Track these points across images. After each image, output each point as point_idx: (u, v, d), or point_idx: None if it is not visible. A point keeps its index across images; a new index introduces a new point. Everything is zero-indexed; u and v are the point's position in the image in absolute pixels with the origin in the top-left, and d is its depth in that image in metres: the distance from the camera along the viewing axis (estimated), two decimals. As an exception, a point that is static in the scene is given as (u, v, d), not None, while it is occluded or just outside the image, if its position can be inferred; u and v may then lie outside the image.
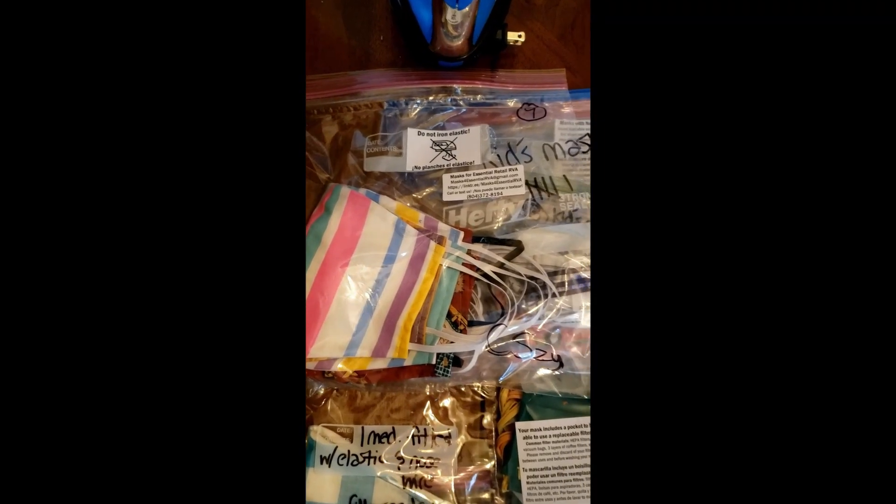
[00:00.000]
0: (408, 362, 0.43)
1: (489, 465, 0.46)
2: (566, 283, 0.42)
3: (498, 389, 0.46)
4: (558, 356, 0.42)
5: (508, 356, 0.42)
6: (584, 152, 0.48)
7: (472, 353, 0.42)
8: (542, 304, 0.42)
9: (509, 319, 0.42)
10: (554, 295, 0.42)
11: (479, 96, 0.51)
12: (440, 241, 0.45)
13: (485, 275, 0.44)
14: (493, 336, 0.41)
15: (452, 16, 0.42)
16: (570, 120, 0.49)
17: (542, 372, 0.43)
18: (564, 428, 0.44)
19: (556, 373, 0.42)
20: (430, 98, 0.51)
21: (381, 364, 0.44)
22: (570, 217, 0.45)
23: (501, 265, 0.44)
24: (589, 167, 0.49)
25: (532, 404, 0.46)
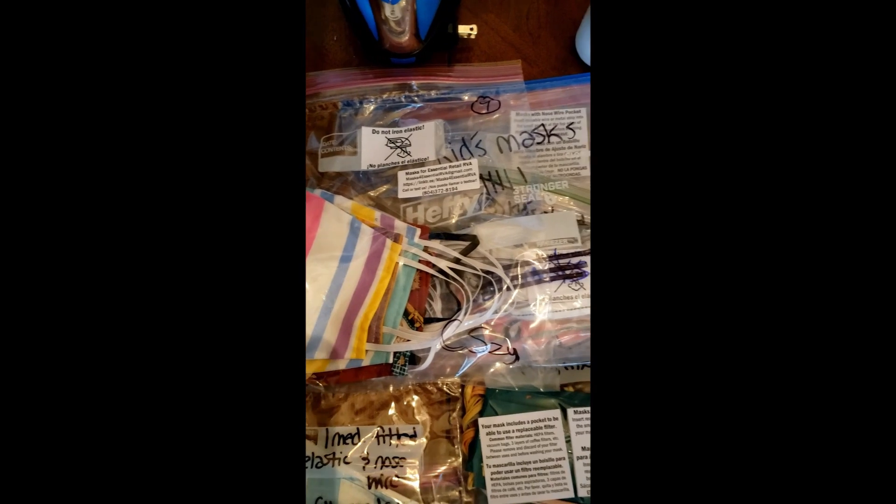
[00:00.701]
0: (366, 362, 0.43)
1: (456, 463, 0.45)
2: (520, 277, 0.42)
3: (462, 386, 0.46)
4: (514, 350, 0.42)
5: (462, 352, 0.42)
6: (538, 143, 0.48)
7: (428, 350, 0.42)
8: (496, 298, 0.42)
9: (465, 315, 0.41)
10: (509, 288, 0.42)
11: (433, 92, 0.51)
12: (396, 238, 0.45)
13: (441, 271, 0.44)
14: (448, 332, 0.41)
15: (392, 11, 0.41)
16: (526, 111, 0.49)
17: (500, 366, 0.42)
18: (528, 422, 0.44)
19: (511, 367, 0.42)
20: (385, 96, 0.51)
21: (339, 365, 0.43)
22: (525, 209, 0.45)
23: (457, 261, 0.44)
24: (543, 159, 0.48)
25: (495, 399, 0.45)
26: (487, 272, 0.43)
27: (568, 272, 0.43)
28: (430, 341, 0.41)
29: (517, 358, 0.42)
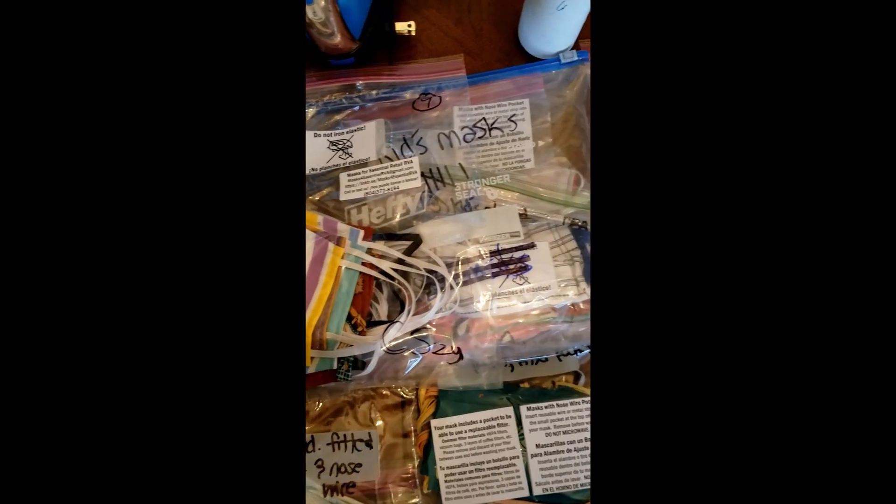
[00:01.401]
0: (311, 370, 0.42)
1: (412, 466, 0.45)
2: (461, 275, 0.41)
3: (417, 388, 0.45)
4: (458, 349, 0.41)
5: (405, 354, 0.41)
6: (479, 138, 0.47)
7: (372, 354, 0.41)
8: (439, 297, 0.41)
9: (408, 316, 0.41)
10: (452, 287, 0.41)
11: (375, 92, 0.50)
12: (339, 242, 0.44)
13: (384, 273, 0.43)
14: (390, 335, 0.40)
15: (313, 12, 0.40)
16: (468, 106, 0.48)
17: (445, 366, 0.41)
18: (480, 422, 0.43)
19: (457, 366, 0.41)
20: (328, 98, 0.50)
21: (286, 374, 0.43)
22: (468, 206, 0.44)
23: (401, 261, 0.43)
24: (487, 153, 0.48)
25: (447, 400, 0.45)
26: (431, 271, 0.42)
27: (511, 267, 0.42)
28: (373, 345, 0.40)
29: (461, 357, 0.41)
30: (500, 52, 0.53)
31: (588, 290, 0.43)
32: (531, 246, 0.43)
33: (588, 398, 0.43)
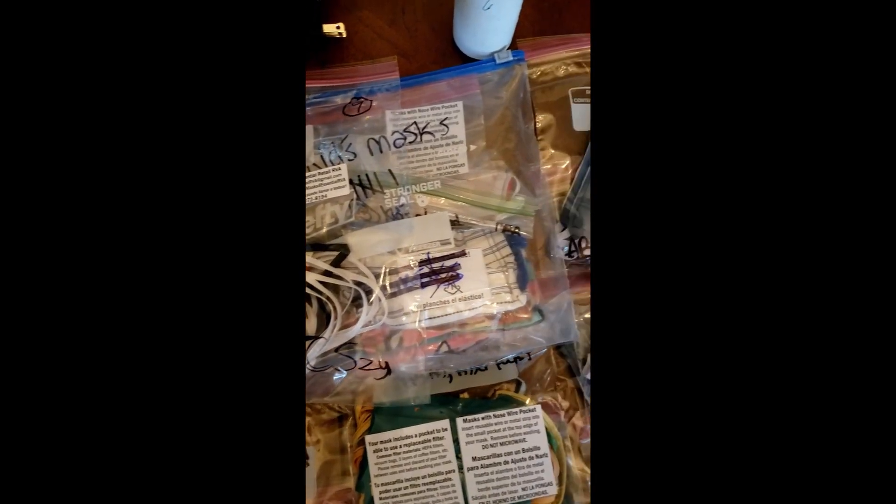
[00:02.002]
0: (237, 388, 0.41)
1: (350, 484, 0.43)
2: (388, 286, 0.40)
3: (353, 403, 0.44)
4: (385, 363, 0.40)
5: (328, 371, 0.40)
6: (410, 143, 0.46)
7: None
8: (365, 309, 0.39)
9: (333, 331, 0.39)
10: (380, 299, 0.40)
11: (306, 97, 0.48)
12: (266, 254, 0.43)
13: (311, 286, 0.41)
14: (314, 351, 0.39)
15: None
16: (399, 110, 0.47)
17: (372, 382, 0.40)
18: (415, 436, 0.42)
19: (385, 380, 0.40)
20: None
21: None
22: (398, 213, 0.43)
23: (328, 273, 0.41)
24: (420, 158, 0.46)
25: (382, 414, 0.43)
26: (358, 283, 0.41)
27: (442, 276, 0.41)
28: (299, 361, 0.39)
29: (389, 372, 0.40)
30: (436, 53, 0.51)
31: (521, 298, 0.42)
32: (462, 254, 0.42)
33: (525, 407, 0.42)
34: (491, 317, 0.42)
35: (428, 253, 0.41)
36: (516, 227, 0.43)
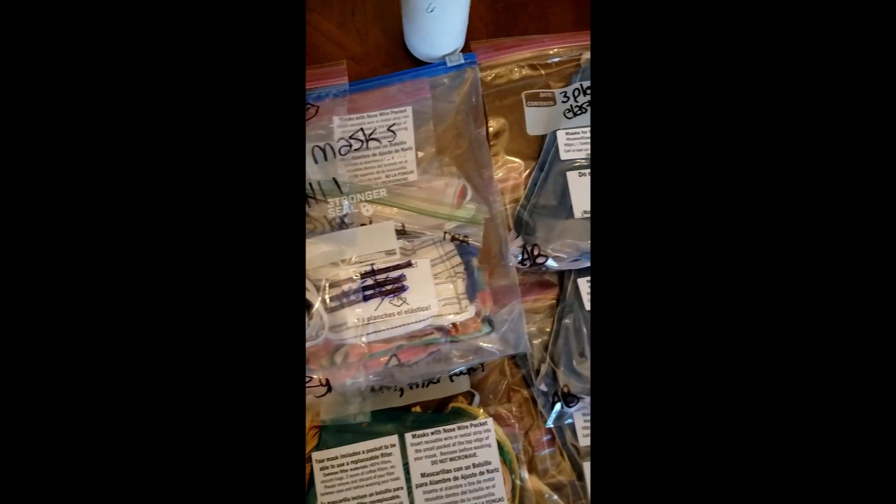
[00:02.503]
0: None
1: (298, 502, 0.42)
2: (328, 300, 0.39)
3: (301, 418, 0.43)
4: (326, 380, 0.38)
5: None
6: (356, 150, 0.45)
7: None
8: (306, 324, 0.38)
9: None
10: (322, 313, 0.39)
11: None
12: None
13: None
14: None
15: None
16: (347, 116, 0.46)
17: (312, 399, 0.39)
18: (363, 452, 0.41)
19: (324, 397, 0.39)
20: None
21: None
22: (341, 223, 0.42)
23: (270, 286, 0.40)
24: (368, 165, 0.45)
25: (329, 431, 0.42)
26: (301, 296, 0.39)
27: (387, 288, 0.40)
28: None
29: (329, 389, 0.39)
30: (388, 56, 0.50)
31: (470, 309, 0.41)
32: (408, 265, 0.40)
33: (476, 420, 0.41)
34: (440, 329, 0.41)
35: (372, 264, 0.40)
36: (465, 236, 0.42)
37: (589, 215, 0.44)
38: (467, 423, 0.41)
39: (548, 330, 0.45)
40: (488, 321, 0.42)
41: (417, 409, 0.44)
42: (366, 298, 0.39)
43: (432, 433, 0.41)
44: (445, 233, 0.42)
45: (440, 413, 0.44)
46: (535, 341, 0.45)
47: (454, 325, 0.41)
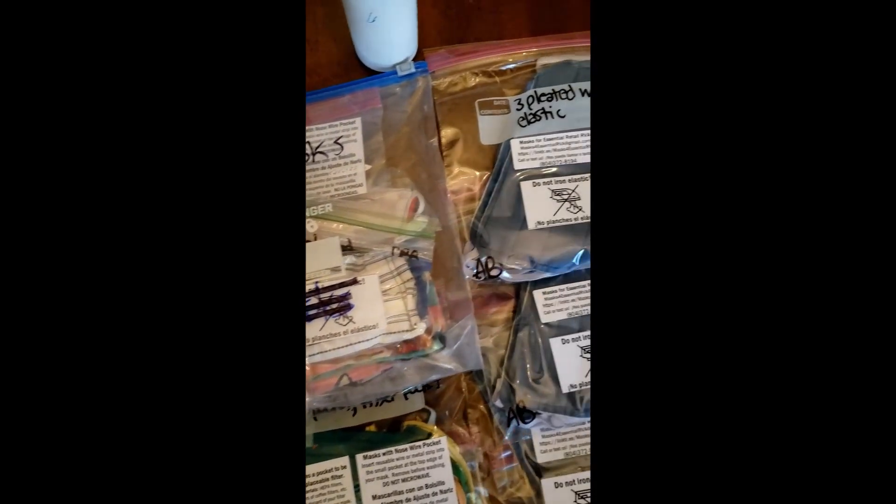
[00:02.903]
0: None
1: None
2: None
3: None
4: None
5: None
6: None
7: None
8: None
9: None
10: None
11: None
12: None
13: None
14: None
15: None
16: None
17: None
18: (313, 475, 0.39)
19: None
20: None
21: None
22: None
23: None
24: (318, 179, 0.44)
25: (279, 454, 0.41)
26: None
27: (332, 307, 0.39)
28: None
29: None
30: (338, 66, 0.49)
31: (420, 326, 0.40)
32: (354, 282, 0.39)
33: (429, 440, 0.40)
34: (389, 347, 0.40)
35: (316, 282, 0.39)
36: (414, 251, 0.41)
37: (542, 226, 0.44)
38: (420, 443, 0.40)
39: (505, 343, 0.45)
40: (440, 337, 0.41)
41: (372, 428, 0.43)
42: (309, 318, 0.38)
43: (384, 454, 0.40)
44: (394, 247, 0.41)
45: (395, 432, 0.43)
46: (492, 355, 0.44)
47: (403, 342, 0.40)
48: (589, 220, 0.44)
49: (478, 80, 0.49)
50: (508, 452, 0.43)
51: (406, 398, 0.43)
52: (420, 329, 0.40)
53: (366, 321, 0.39)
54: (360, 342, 0.39)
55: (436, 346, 0.41)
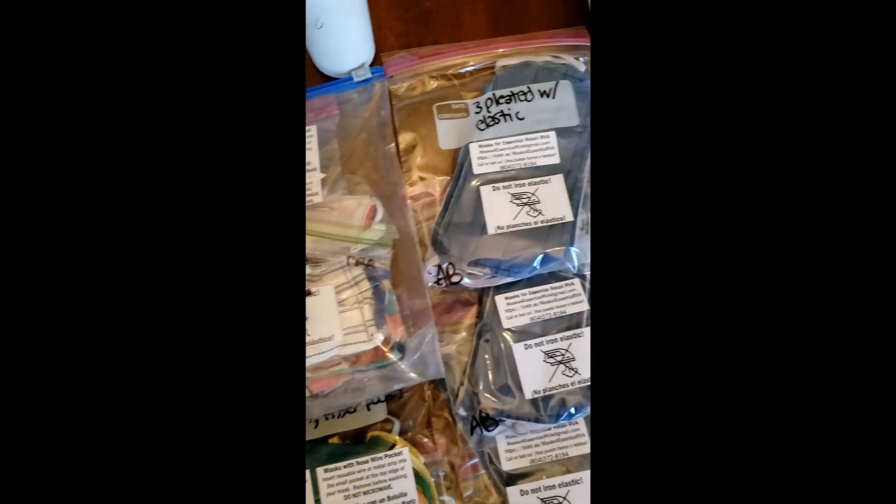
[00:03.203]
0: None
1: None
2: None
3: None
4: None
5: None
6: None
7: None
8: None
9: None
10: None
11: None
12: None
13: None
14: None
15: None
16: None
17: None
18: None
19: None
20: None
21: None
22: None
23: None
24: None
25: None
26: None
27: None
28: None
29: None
30: (296, 72, 0.48)
31: (378, 336, 0.39)
32: (308, 294, 0.39)
33: (391, 450, 0.40)
34: (347, 358, 0.39)
35: (270, 295, 0.38)
36: (369, 260, 0.41)
37: (502, 231, 0.43)
38: (381, 454, 0.40)
39: (468, 350, 0.44)
40: (399, 347, 0.40)
41: (335, 440, 0.43)
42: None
43: (345, 466, 0.39)
44: (349, 257, 0.40)
45: (358, 443, 0.42)
46: (455, 362, 0.43)
47: (361, 353, 0.39)
48: (548, 224, 0.43)
49: (437, 83, 0.48)
50: (475, 461, 0.43)
51: (368, 409, 0.43)
52: (378, 339, 0.39)
53: (321, 333, 0.38)
54: (315, 355, 0.38)
55: (394, 357, 0.40)
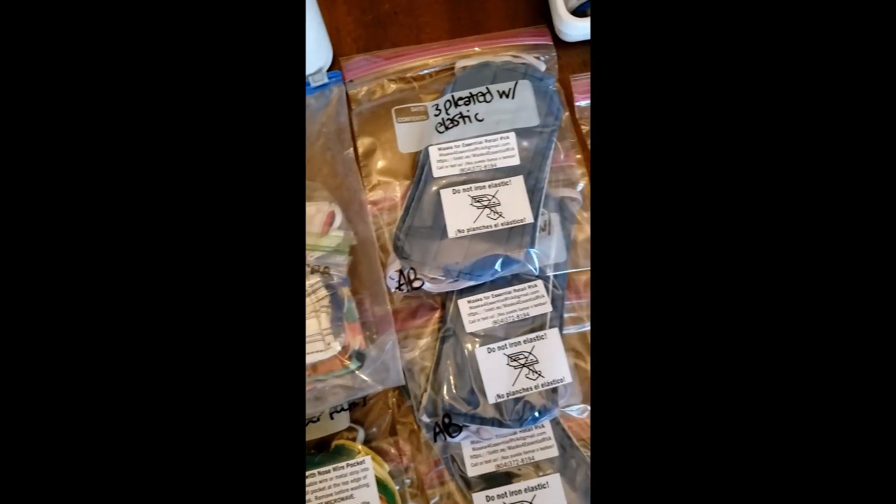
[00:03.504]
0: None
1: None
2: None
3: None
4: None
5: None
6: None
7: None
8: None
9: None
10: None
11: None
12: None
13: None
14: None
15: None
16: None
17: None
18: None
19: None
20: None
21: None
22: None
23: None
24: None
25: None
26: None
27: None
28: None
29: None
30: (253, 79, 0.48)
31: (335, 345, 0.39)
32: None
33: (353, 460, 0.39)
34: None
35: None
36: (325, 268, 0.40)
37: (463, 234, 0.43)
38: (343, 464, 0.39)
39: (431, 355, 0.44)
40: (358, 355, 0.40)
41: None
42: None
43: (307, 477, 0.39)
44: (305, 265, 0.40)
45: (322, 452, 0.42)
46: (419, 368, 0.43)
47: (318, 363, 0.39)
48: (508, 226, 0.43)
49: (396, 86, 0.48)
50: (441, 467, 0.42)
51: (332, 417, 0.42)
52: (335, 348, 0.39)
53: (277, 343, 0.38)
54: (272, 365, 0.38)
55: (353, 366, 0.39)
